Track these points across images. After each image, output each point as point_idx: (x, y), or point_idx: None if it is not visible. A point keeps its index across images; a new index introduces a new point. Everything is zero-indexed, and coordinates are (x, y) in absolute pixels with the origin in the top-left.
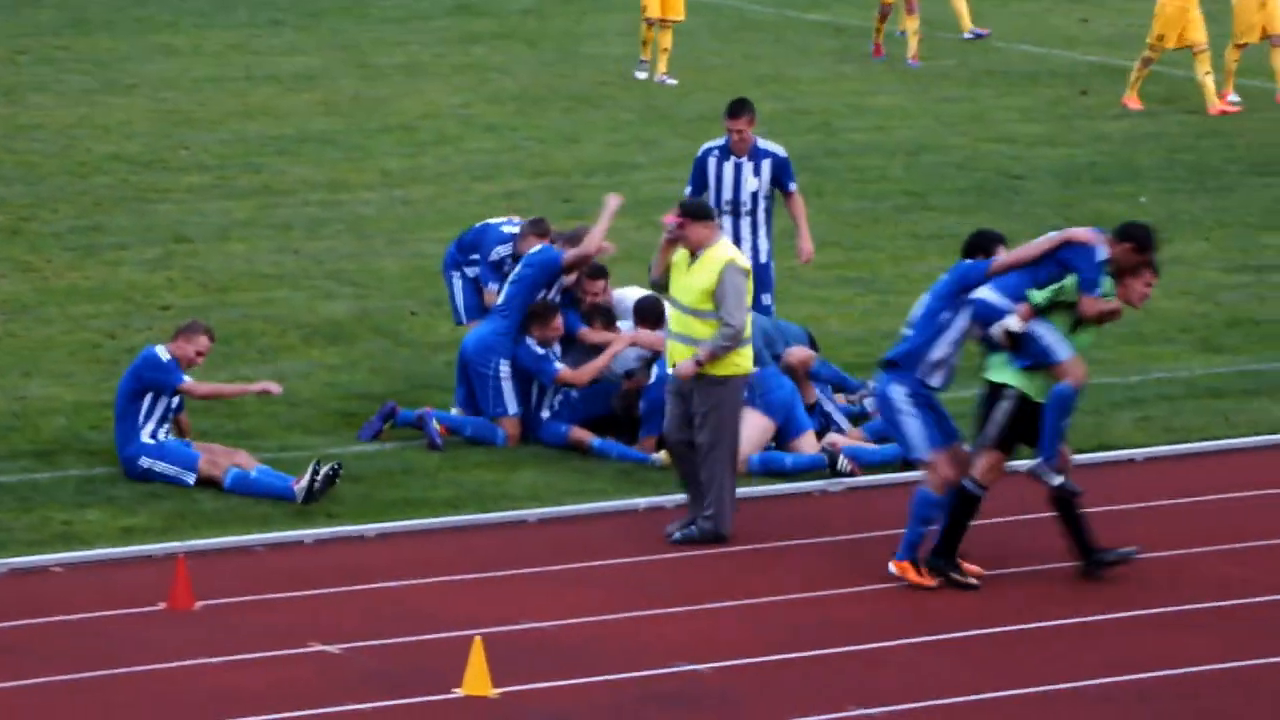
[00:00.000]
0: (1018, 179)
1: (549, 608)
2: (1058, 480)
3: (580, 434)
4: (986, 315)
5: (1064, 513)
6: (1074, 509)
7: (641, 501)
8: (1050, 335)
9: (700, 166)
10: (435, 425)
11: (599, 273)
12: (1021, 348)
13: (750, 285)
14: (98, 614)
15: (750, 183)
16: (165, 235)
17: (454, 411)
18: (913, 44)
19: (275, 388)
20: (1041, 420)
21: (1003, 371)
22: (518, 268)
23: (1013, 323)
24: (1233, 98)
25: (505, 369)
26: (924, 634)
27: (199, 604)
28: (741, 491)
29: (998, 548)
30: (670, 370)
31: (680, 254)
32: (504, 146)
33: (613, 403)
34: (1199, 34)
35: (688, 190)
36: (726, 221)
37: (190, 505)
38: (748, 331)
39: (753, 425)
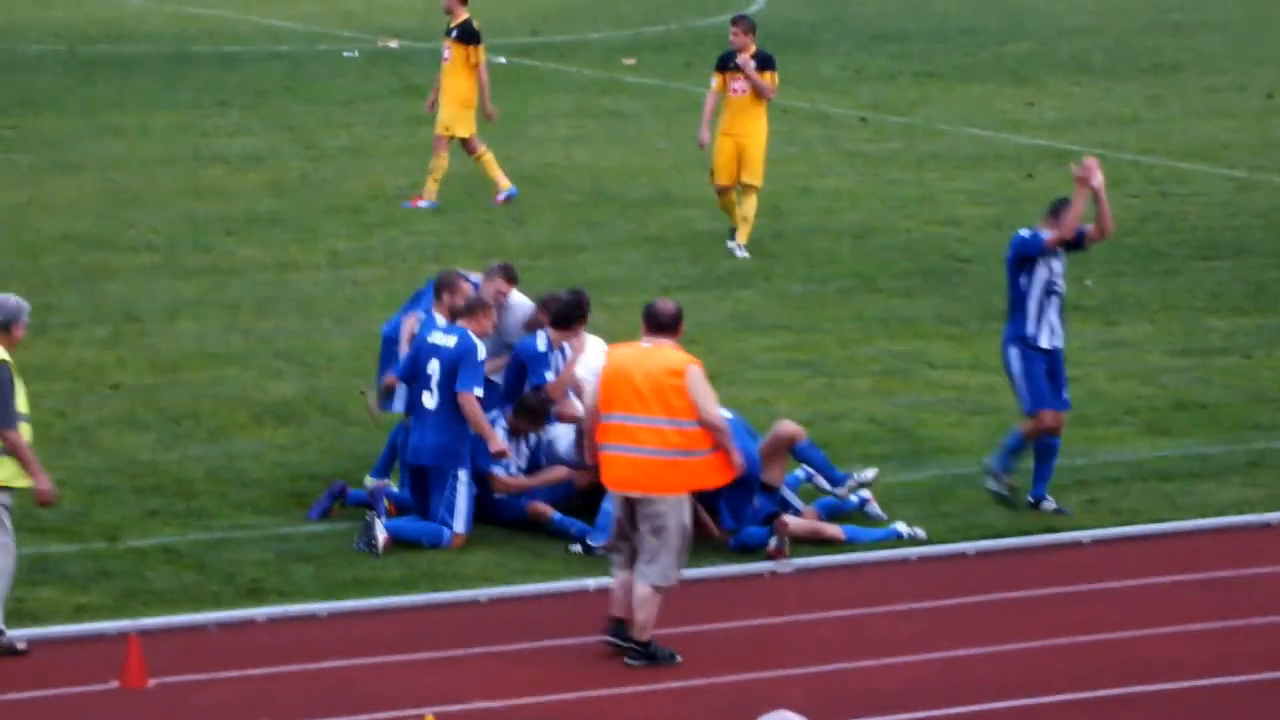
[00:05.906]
0: (965, 261)
1: (500, 687)
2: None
3: (541, 507)
4: None
5: None
6: None
7: (591, 582)
8: None
9: None
10: (385, 504)
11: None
12: None
13: None
14: (51, 692)
15: None
16: (114, 314)
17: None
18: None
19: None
20: None
21: None
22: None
23: None
24: None
25: (464, 476)
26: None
27: (152, 682)
28: (698, 573)
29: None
30: None
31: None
32: (451, 228)
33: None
34: None
35: None
36: None
37: (141, 584)
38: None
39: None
